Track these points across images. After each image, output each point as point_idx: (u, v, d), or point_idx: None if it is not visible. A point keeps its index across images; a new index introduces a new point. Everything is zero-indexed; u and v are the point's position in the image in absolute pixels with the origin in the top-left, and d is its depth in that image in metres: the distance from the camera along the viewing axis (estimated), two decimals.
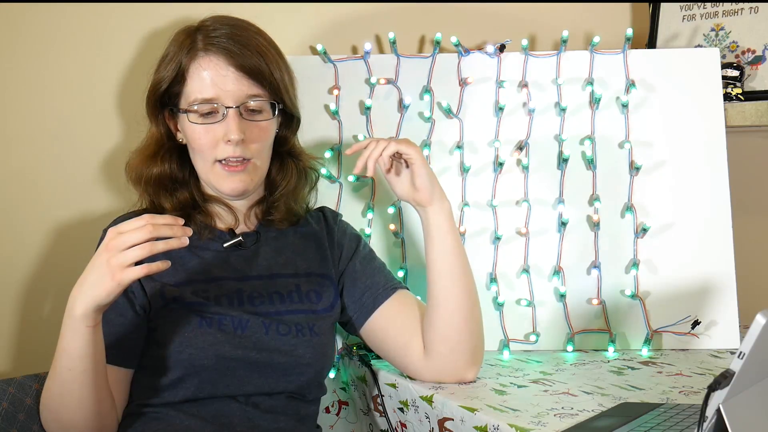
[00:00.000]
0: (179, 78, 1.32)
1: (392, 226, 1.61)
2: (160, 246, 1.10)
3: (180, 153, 1.37)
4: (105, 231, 1.35)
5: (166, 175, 1.36)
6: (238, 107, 1.30)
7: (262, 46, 1.33)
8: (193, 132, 1.31)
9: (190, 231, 1.13)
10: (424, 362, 1.35)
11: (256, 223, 1.41)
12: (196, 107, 1.30)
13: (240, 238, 1.35)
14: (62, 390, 1.19)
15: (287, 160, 1.42)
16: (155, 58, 1.37)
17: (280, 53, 1.37)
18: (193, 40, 1.32)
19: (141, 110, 1.40)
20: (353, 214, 1.60)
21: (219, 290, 1.32)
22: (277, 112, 1.34)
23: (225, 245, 1.34)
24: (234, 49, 1.30)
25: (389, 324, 1.38)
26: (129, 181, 1.39)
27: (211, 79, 1.30)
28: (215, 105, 1.30)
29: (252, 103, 1.31)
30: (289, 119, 1.42)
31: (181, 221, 1.13)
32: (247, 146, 1.31)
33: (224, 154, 1.31)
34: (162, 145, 1.37)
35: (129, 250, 1.09)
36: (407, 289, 1.44)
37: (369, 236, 1.59)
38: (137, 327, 1.29)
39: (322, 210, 1.49)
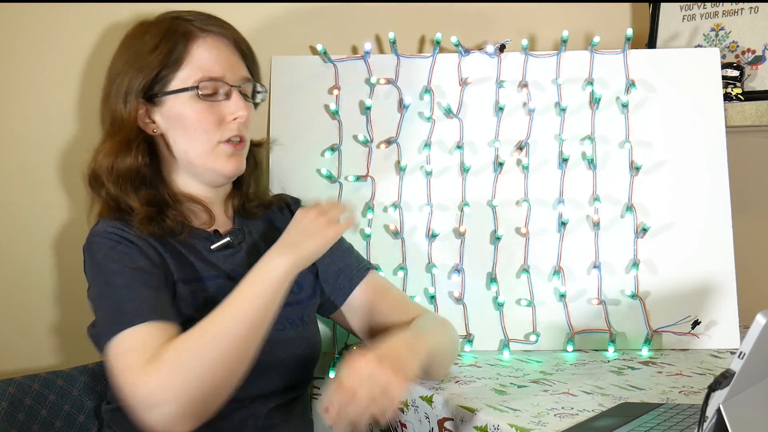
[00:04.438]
0: (172, 63, 1.27)
1: (392, 226, 1.61)
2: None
3: (148, 148, 1.31)
4: (91, 243, 1.24)
5: (138, 169, 1.28)
6: (239, 87, 1.31)
7: (243, 37, 1.36)
8: (196, 112, 1.28)
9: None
10: None
11: (232, 214, 1.39)
12: (198, 86, 1.27)
13: (228, 238, 1.32)
14: (240, 354, 1.15)
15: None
16: None
17: None
18: (183, 26, 1.29)
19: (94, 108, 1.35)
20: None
21: (206, 292, 1.28)
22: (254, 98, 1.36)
23: (213, 247, 1.31)
24: (233, 32, 1.33)
25: (367, 304, 1.39)
26: (88, 180, 1.30)
27: (218, 58, 1.29)
28: (218, 84, 1.28)
29: (252, 85, 1.34)
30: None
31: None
32: (245, 127, 1.32)
33: (230, 133, 1.30)
34: (137, 135, 1.29)
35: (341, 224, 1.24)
36: (376, 269, 1.46)
37: (369, 236, 1.59)
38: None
39: (283, 197, 1.48)
